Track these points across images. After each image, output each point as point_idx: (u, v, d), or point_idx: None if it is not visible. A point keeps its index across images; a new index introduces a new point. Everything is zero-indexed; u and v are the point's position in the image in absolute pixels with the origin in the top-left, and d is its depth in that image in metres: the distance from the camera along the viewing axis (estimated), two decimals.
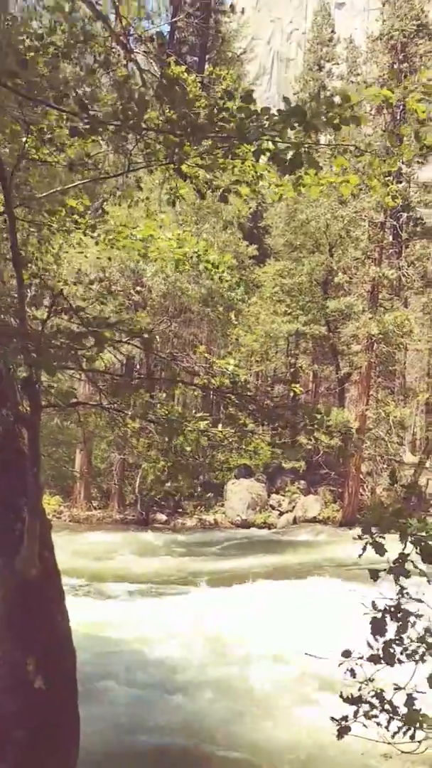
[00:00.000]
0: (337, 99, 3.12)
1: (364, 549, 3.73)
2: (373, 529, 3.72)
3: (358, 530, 3.86)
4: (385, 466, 27.57)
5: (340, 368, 31.06)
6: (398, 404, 28.14)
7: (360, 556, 3.73)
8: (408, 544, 3.52)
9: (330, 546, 22.38)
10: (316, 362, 33.50)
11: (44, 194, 4.87)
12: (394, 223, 27.75)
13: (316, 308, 30.75)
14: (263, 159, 3.90)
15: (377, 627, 3.63)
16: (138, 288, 21.02)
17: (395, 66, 28.61)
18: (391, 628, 3.67)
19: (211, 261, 5.20)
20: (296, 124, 3.22)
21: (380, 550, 3.47)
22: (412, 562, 3.65)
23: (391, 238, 28.63)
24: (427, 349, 30.70)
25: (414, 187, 29.45)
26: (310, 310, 30.79)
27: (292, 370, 32.74)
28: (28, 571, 4.26)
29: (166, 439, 6.26)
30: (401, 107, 23.53)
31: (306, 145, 3.30)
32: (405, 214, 28.01)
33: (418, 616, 3.71)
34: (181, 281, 21.22)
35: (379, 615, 3.57)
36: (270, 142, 3.58)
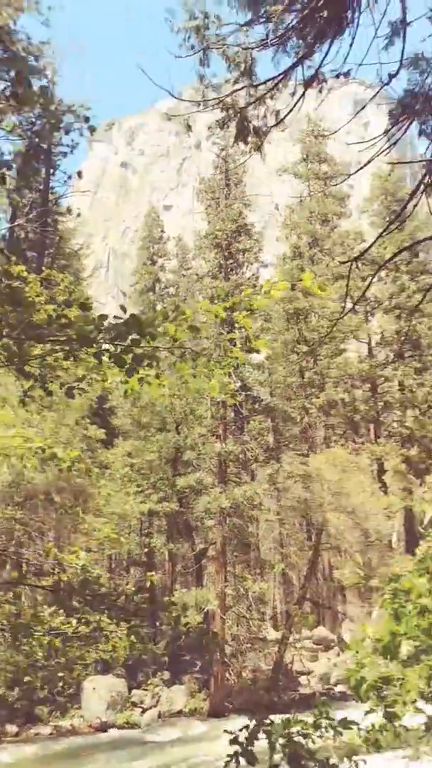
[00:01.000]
0: (170, 309, 3.37)
1: (231, 758, 3.47)
2: (243, 735, 3.50)
3: (226, 723, 3.63)
4: (249, 646, 26.74)
5: (195, 544, 30.76)
6: (256, 578, 27.98)
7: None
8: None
9: (199, 743, 20.76)
10: (170, 540, 33.00)
11: None
12: (236, 402, 29.30)
13: (167, 485, 30.92)
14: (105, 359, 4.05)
15: None
16: None
17: (221, 261, 31.76)
18: None
19: (58, 456, 5.14)
20: (134, 333, 3.42)
21: (251, 759, 3.24)
22: None
23: (233, 414, 30.06)
24: (277, 519, 31.40)
25: (249, 369, 31.64)
26: (161, 488, 30.90)
27: (146, 551, 31.92)
28: None
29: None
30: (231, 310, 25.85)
31: (144, 349, 3.49)
32: (243, 393, 29.76)
33: None
34: (28, 470, 20.56)
35: None
36: (110, 345, 3.76)
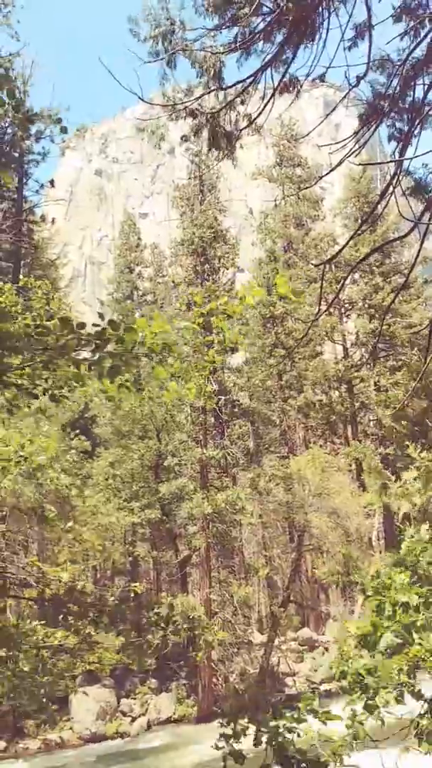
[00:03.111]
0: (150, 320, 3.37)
1: (224, 761, 3.49)
2: (230, 732, 3.51)
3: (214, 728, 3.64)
4: (236, 650, 26.70)
5: (179, 551, 30.67)
6: (240, 583, 27.97)
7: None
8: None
9: (189, 749, 20.72)
10: (154, 548, 32.88)
11: None
12: (214, 406, 29.30)
13: (149, 493, 30.82)
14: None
15: None
16: None
17: (197, 268, 31.79)
18: None
19: (41, 463, 5.10)
20: (113, 341, 3.41)
21: (239, 758, 3.25)
22: None
23: (213, 420, 30.05)
24: (260, 523, 31.42)
25: (228, 372, 31.72)
26: (144, 496, 30.79)
27: (130, 560, 31.77)
28: None
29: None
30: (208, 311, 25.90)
31: (123, 356, 3.49)
32: (222, 398, 29.78)
33: None
34: (13, 481, 20.32)
35: None
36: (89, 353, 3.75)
